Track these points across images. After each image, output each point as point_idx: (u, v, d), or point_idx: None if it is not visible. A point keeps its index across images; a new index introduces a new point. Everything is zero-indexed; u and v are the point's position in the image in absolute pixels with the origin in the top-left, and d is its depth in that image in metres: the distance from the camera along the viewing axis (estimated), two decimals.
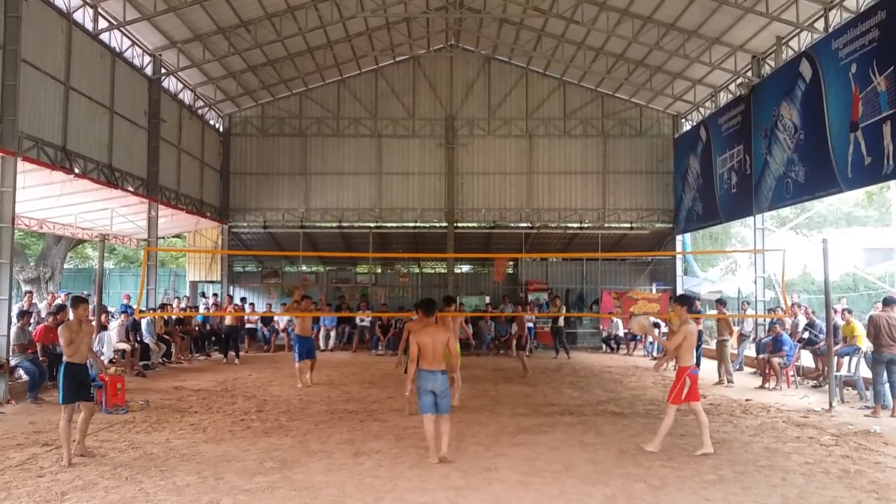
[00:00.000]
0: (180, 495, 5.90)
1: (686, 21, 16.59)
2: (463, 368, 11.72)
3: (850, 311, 12.66)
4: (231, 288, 22.86)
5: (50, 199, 14.90)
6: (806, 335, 13.58)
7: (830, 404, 10.40)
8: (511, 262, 23.92)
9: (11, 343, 11.06)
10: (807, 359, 13.77)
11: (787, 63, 15.08)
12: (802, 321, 13.88)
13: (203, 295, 21.73)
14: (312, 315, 14.85)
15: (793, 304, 14.13)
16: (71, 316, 8.52)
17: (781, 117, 15.11)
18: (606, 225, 22.57)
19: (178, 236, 26.44)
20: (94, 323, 9.63)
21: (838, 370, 11.46)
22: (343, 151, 22.56)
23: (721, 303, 15.10)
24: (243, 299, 21.93)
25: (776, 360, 12.66)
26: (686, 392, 7.55)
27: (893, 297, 10.46)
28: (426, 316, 7.36)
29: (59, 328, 7.38)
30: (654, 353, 18.31)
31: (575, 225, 22.67)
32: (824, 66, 13.34)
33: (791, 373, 12.88)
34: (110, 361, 12.18)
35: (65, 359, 7.16)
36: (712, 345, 14.87)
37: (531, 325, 19.53)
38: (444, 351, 7.08)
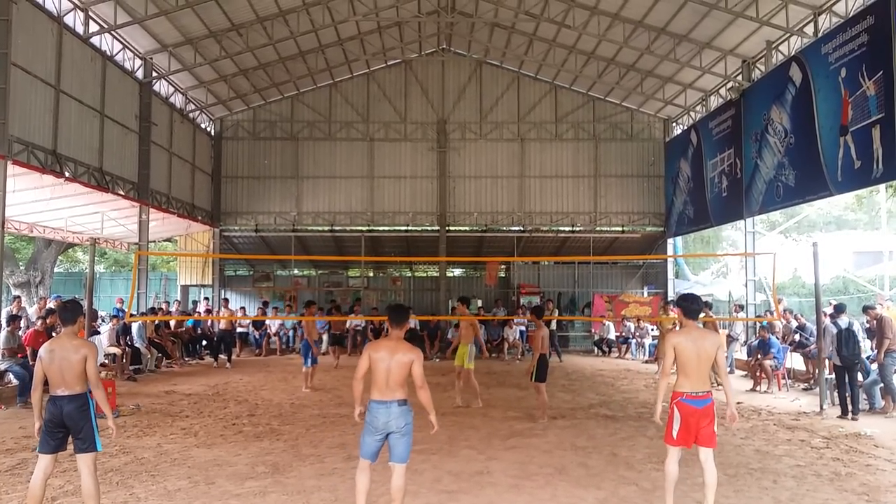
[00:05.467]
0: (171, 500, 5.87)
1: (677, 25, 16.67)
2: (451, 373, 11.68)
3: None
4: (223, 292, 22.77)
5: (40, 202, 14.83)
6: (797, 338, 13.64)
7: (821, 407, 10.45)
8: (503, 266, 23.95)
9: (1, 347, 11.00)
10: (797, 362, 13.83)
11: (777, 67, 15.17)
12: (793, 324, 13.95)
13: (206, 299, 21.80)
14: (317, 319, 14.79)
15: (784, 311, 14.18)
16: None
17: (772, 121, 15.19)
18: (598, 228, 22.62)
19: (169, 240, 26.36)
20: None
21: (829, 373, 11.51)
22: (335, 155, 22.53)
23: (707, 305, 15.14)
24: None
25: (767, 363, 12.71)
26: (677, 429, 5.30)
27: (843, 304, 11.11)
28: (394, 327, 5.35)
29: None
30: (647, 357, 18.38)
31: (566, 228, 22.71)
32: (814, 70, 13.43)
33: (782, 375, 12.94)
34: (101, 365, 12.10)
35: None
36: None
37: (523, 328, 19.57)
38: (407, 376, 5.19)
